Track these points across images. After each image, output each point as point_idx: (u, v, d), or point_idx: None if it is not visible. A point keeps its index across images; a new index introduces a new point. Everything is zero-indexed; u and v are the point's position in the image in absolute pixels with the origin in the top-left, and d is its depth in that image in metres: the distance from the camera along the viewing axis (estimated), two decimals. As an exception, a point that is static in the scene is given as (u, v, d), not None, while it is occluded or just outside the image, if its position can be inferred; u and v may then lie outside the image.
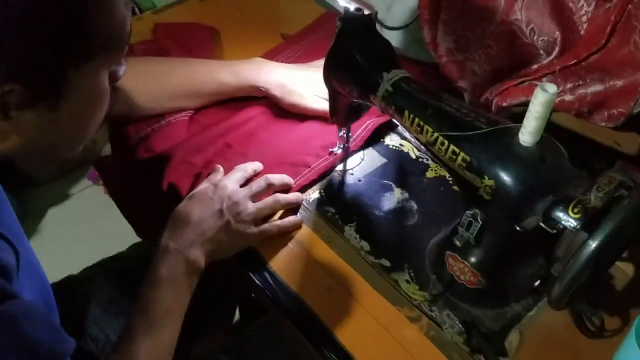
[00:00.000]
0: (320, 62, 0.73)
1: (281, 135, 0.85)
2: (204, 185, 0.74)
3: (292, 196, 0.76)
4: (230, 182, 0.74)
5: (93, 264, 0.93)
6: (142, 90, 0.84)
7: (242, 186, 0.75)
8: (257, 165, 0.79)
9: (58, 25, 0.43)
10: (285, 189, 0.77)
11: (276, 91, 0.85)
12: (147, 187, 0.82)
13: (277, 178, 0.76)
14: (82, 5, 0.44)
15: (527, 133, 0.52)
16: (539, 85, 0.48)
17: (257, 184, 0.74)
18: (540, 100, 0.49)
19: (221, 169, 0.78)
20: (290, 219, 0.75)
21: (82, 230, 1.77)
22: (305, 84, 0.85)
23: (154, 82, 0.86)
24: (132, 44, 0.98)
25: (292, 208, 0.77)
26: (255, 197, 0.74)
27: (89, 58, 0.47)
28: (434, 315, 0.66)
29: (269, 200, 0.74)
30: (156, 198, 0.80)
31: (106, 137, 0.92)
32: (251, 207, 0.72)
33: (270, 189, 0.75)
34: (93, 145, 1.52)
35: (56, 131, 0.50)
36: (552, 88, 0.49)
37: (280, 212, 0.76)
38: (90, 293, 0.85)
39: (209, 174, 0.77)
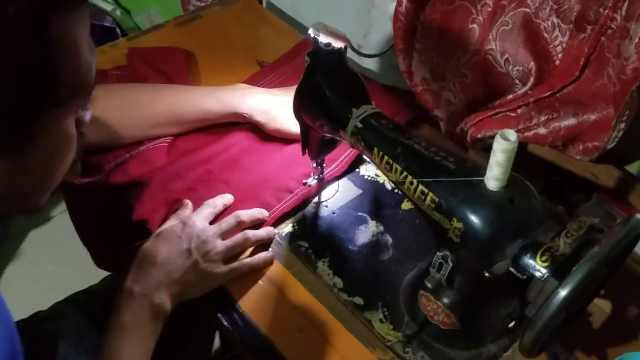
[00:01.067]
0: None
1: (263, 162, 0.84)
2: (172, 222, 0.73)
3: (263, 232, 0.74)
4: (199, 219, 0.72)
5: (63, 299, 0.91)
6: (125, 119, 0.83)
7: (212, 222, 0.73)
8: (227, 199, 0.77)
9: (24, 73, 0.42)
10: (258, 224, 0.76)
11: (260, 117, 0.84)
12: (117, 214, 0.79)
13: (248, 215, 0.74)
14: (47, 53, 0.42)
15: (493, 179, 0.51)
16: (499, 132, 0.47)
17: (227, 222, 0.72)
18: (501, 149, 0.48)
19: (190, 204, 0.76)
20: (261, 255, 0.73)
21: (63, 253, 1.74)
22: (288, 108, 0.83)
23: (136, 110, 0.84)
24: (106, 70, 0.97)
25: (264, 243, 0.75)
26: (225, 234, 0.72)
27: (55, 105, 0.46)
28: (408, 358, 0.65)
29: (238, 237, 0.72)
30: (124, 226, 0.77)
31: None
32: (220, 245, 0.70)
33: (241, 226, 0.73)
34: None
35: (23, 179, 0.49)
36: (512, 136, 0.47)
37: (251, 248, 0.74)
38: (59, 329, 0.83)
39: (176, 210, 0.75)
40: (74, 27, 0.43)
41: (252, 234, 0.73)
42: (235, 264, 0.71)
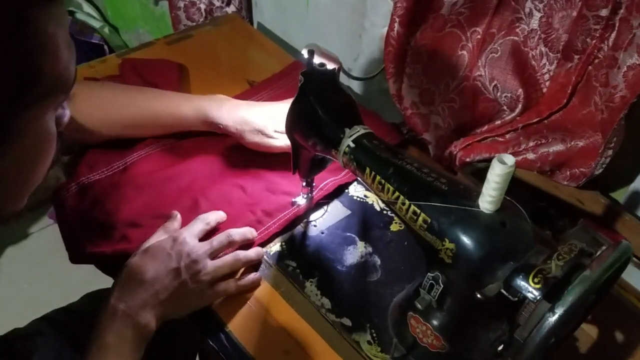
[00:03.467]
0: (285, 101, 0.71)
1: (251, 180, 0.83)
2: (160, 236, 0.71)
3: (253, 253, 0.73)
4: (190, 236, 0.70)
5: (41, 316, 0.88)
6: (101, 117, 0.82)
7: (202, 239, 0.72)
8: (220, 216, 0.76)
9: (3, 67, 0.41)
10: (248, 243, 0.75)
11: (237, 129, 0.82)
12: (102, 222, 0.78)
13: (240, 233, 0.73)
14: (25, 49, 0.42)
15: (487, 202, 0.51)
16: (496, 156, 0.47)
17: (218, 240, 0.71)
18: (498, 172, 0.48)
19: (178, 216, 0.75)
20: (250, 277, 0.72)
21: (40, 271, 1.70)
22: (266, 120, 0.82)
23: (113, 110, 0.83)
24: (98, 79, 0.97)
25: (252, 265, 0.74)
26: (215, 254, 0.70)
27: (33, 101, 0.45)
28: (396, 380, 0.64)
29: (228, 258, 0.71)
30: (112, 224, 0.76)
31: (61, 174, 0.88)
32: (210, 265, 0.68)
33: (232, 245, 0.72)
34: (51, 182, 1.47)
35: (2, 180, 0.47)
36: (510, 160, 0.48)
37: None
38: (36, 348, 0.80)
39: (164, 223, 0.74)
40: (51, 23, 0.43)
41: (242, 255, 0.72)
42: (223, 286, 0.69)
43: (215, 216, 0.75)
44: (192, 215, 0.76)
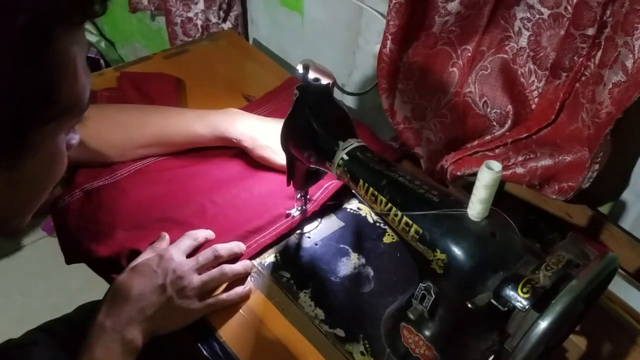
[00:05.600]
0: None
1: (246, 192, 0.85)
2: (148, 255, 0.72)
3: (240, 267, 0.74)
4: (176, 253, 0.71)
5: (37, 327, 0.88)
6: (115, 139, 0.84)
7: (189, 255, 0.73)
8: (208, 233, 0.77)
9: (23, 85, 0.42)
10: (235, 257, 0.76)
11: (247, 143, 0.86)
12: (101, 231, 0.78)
13: (226, 249, 0.74)
14: (48, 69, 0.43)
15: (475, 209, 0.53)
16: (484, 162, 0.49)
17: (204, 256, 0.72)
18: (485, 178, 0.50)
19: (167, 237, 0.76)
20: (237, 290, 0.72)
21: (33, 283, 1.69)
22: (276, 138, 0.84)
23: (126, 131, 0.85)
24: (96, 91, 0.98)
25: (241, 277, 0.75)
26: (202, 269, 0.71)
27: (48, 121, 0.46)
28: (388, 390, 0.65)
29: (214, 272, 0.71)
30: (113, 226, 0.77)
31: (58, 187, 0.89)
32: (196, 280, 0.69)
33: (218, 260, 0.73)
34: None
35: (13, 193, 0.48)
36: (497, 166, 0.49)
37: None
38: (32, 358, 0.80)
39: (152, 243, 0.75)
40: (74, 47, 0.44)
41: (229, 268, 0.73)
42: (211, 300, 0.70)
43: (204, 233, 0.77)
44: (198, 219, 0.78)
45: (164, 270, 0.68)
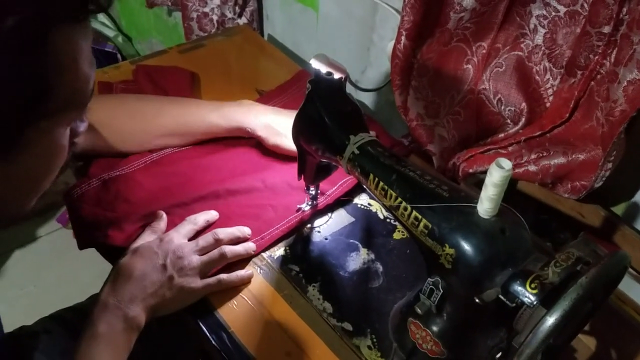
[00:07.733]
0: None
1: (257, 185, 0.85)
2: (149, 238, 0.74)
3: (241, 248, 0.75)
4: (177, 236, 0.73)
5: (49, 315, 0.89)
6: (132, 128, 0.85)
7: (191, 239, 0.74)
8: (210, 216, 0.78)
9: (16, 84, 0.42)
10: (238, 242, 0.76)
11: (262, 132, 0.87)
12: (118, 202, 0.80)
13: (226, 233, 0.75)
14: (43, 66, 0.43)
15: (485, 206, 0.53)
16: (495, 160, 0.49)
17: (205, 239, 0.73)
18: (495, 176, 0.50)
19: (164, 215, 0.77)
20: (239, 273, 0.73)
21: (47, 274, 1.72)
22: (289, 127, 0.85)
23: (144, 120, 0.87)
24: (111, 83, 1.00)
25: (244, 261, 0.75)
26: (202, 251, 0.73)
27: (46, 116, 0.46)
28: (394, 385, 0.65)
29: (214, 253, 0.73)
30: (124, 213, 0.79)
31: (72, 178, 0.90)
32: (195, 260, 0.71)
33: (219, 244, 0.74)
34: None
35: (8, 185, 0.49)
36: (507, 164, 0.49)
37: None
38: (43, 346, 0.82)
39: (150, 224, 0.76)
40: (74, 41, 0.44)
41: (228, 249, 0.74)
42: (211, 280, 0.71)
43: (205, 216, 0.78)
44: (211, 209, 0.79)
45: (165, 252, 0.70)
